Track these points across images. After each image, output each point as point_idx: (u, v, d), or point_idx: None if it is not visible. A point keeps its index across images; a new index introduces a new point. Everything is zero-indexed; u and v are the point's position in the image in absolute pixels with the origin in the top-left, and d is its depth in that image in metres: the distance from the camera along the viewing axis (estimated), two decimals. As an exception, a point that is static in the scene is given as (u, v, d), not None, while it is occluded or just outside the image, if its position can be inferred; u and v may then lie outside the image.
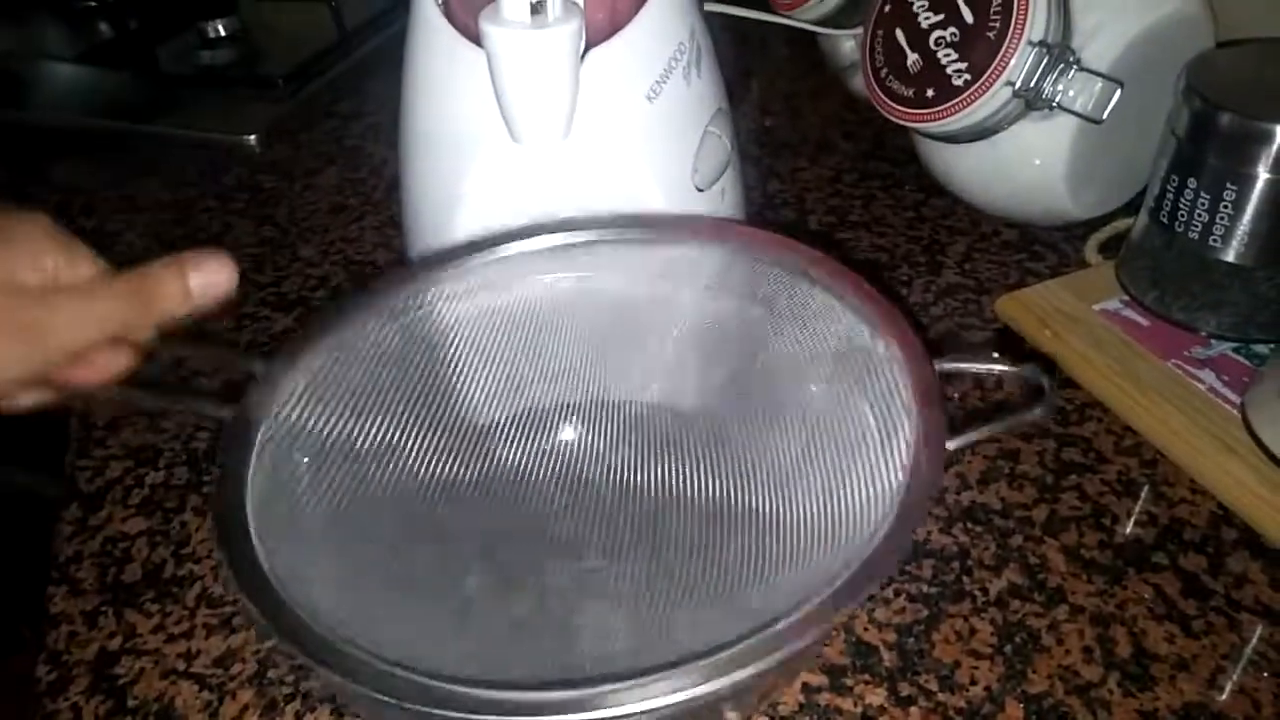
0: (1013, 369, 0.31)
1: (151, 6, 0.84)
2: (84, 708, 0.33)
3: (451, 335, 0.37)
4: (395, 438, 0.34)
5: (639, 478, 0.36)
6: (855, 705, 0.32)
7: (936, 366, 0.29)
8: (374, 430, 0.34)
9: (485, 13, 0.33)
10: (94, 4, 0.84)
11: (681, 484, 0.35)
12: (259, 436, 0.30)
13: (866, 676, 0.32)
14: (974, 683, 0.32)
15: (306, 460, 0.31)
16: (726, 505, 0.34)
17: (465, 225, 0.38)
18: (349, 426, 0.33)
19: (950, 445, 0.27)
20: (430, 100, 0.39)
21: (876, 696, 0.32)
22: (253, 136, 0.66)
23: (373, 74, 0.75)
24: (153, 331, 0.31)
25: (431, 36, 0.37)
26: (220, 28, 0.78)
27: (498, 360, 0.37)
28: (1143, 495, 0.38)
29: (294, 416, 0.32)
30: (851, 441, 0.30)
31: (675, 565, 0.33)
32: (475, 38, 0.34)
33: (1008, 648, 0.33)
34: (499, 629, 0.32)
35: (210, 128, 0.67)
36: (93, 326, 0.29)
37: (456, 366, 0.37)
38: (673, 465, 0.36)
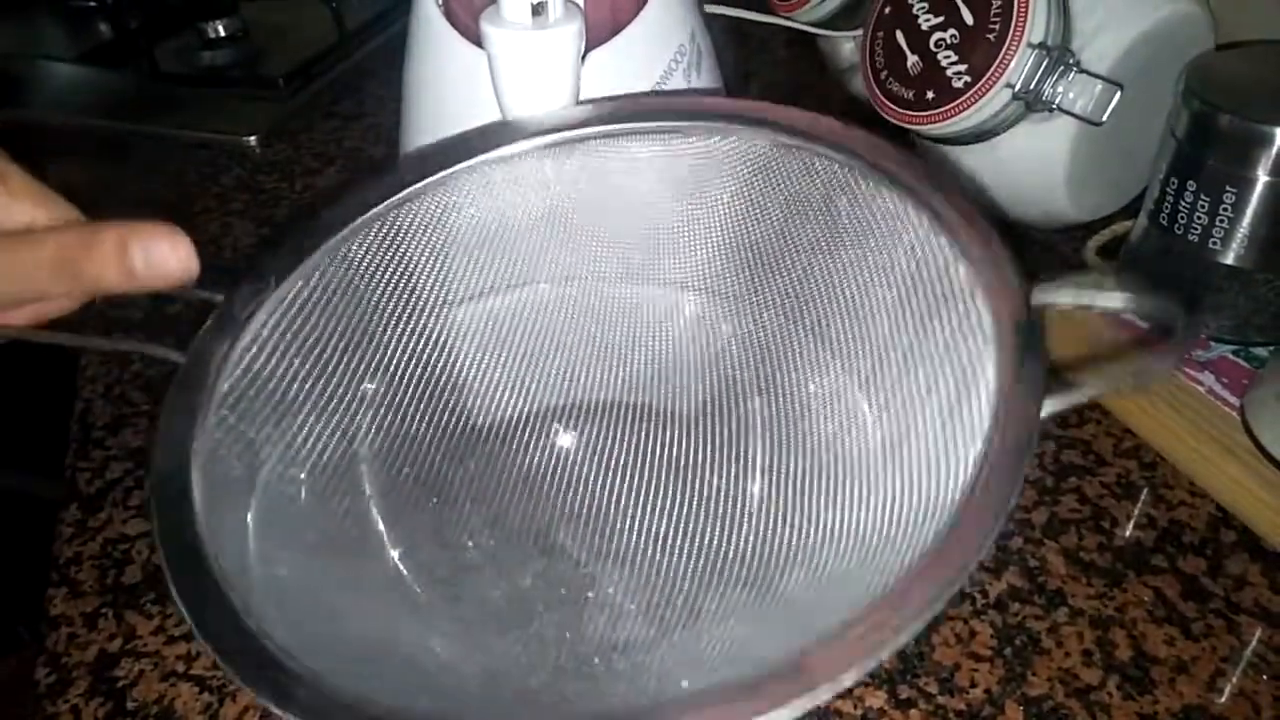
0: (1136, 302, 0.23)
1: (151, 7, 0.84)
2: (83, 710, 0.33)
3: (444, 248, 0.31)
4: (378, 390, 0.29)
5: (658, 433, 0.31)
6: (855, 708, 0.32)
7: (1035, 298, 0.23)
8: (350, 379, 0.29)
9: (486, 14, 0.33)
10: (94, 4, 0.83)
11: (705, 444, 0.31)
12: (211, 387, 0.25)
13: (866, 679, 0.32)
14: (974, 685, 0.32)
15: (268, 415, 0.27)
16: (760, 474, 0.29)
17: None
18: (318, 375, 0.28)
19: (1049, 407, 0.21)
20: (430, 101, 0.38)
21: (876, 699, 0.32)
22: (252, 137, 0.66)
23: (373, 74, 0.75)
24: (83, 300, 0.27)
25: (432, 37, 0.37)
26: (220, 28, 0.78)
27: (504, 260, 0.32)
28: (1142, 498, 0.38)
29: (255, 365, 0.27)
30: (919, 392, 0.24)
31: (698, 534, 0.28)
32: (476, 39, 0.34)
33: (1007, 650, 0.33)
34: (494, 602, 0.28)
35: (210, 128, 0.67)
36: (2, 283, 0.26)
37: (451, 279, 0.31)
38: (700, 420, 0.31)
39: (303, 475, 0.27)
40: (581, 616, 0.29)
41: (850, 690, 0.32)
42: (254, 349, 0.27)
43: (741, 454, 0.30)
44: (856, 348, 0.28)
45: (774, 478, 0.29)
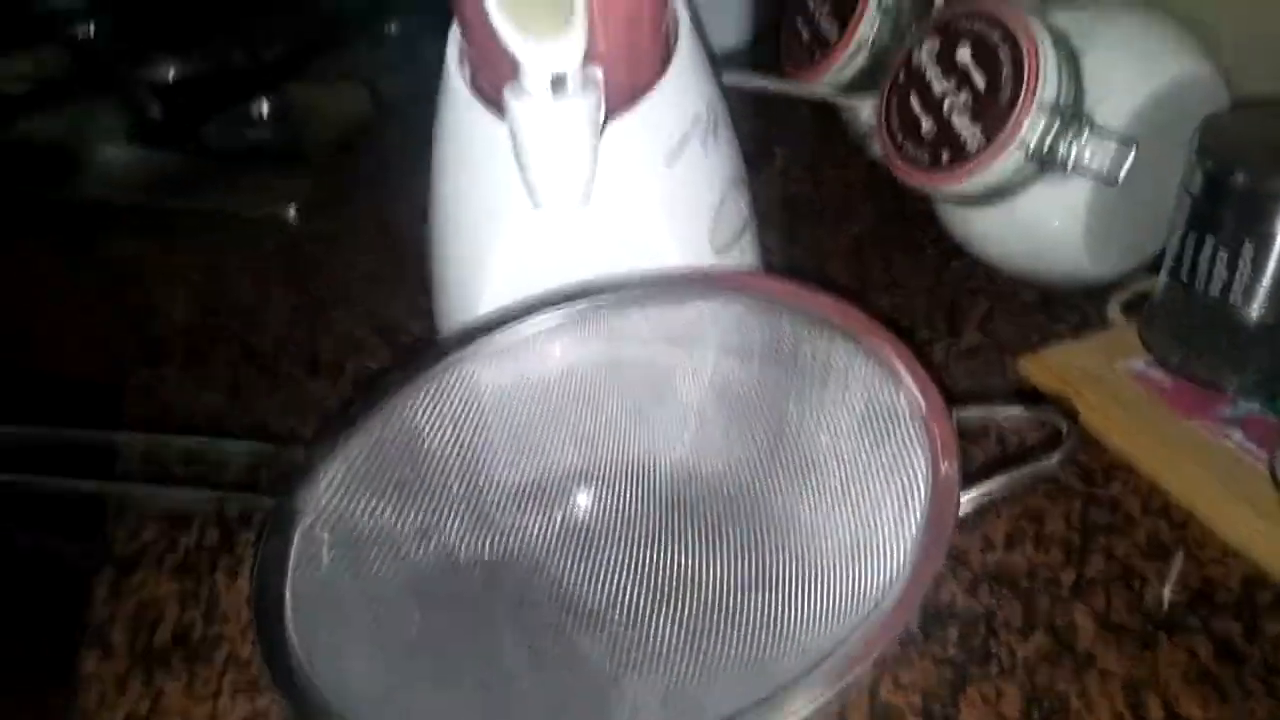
0: (1030, 413, 0.31)
1: (200, 88, 0.88)
2: (110, 768, 0.34)
3: (482, 409, 0.37)
4: (431, 517, 0.35)
5: (667, 542, 0.36)
6: (880, 771, 0.31)
7: (955, 414, 0.29)
8: (409, 512, 0.34)
9: (509, 87, 0.35)
10: (147, 88, 0.88)
11: (707, 549, 0.35)
12: (297, 528, 0.31)
13: (892, 742, 0.32)
14: (1001, 749, 0.31)
15: (343, 547, 0.32)
16: (749, 569, 0.34)
17: (491, 290, 0.39)
18: (384, 510, 0.34)
19: (966, 497, 0.27)
20: (457, 170, 0.40)
21: (901, 762, 0.31)
22: (291, 209, 0.69)
23: (407, 148, 0.77)
24: None
25: (459, 110, 0.39)
26: (264, 107, 0.81)
27: (526, 430, 0.38)
28: (1173, 557, 0.37)
29: (331, 504, 0.33)
30: (873, 498, 0.30)
31: (700, 631, 0.33)
32: (499, 110, 0.36)
33: (1036, 714, 0.32)
34: (535, 706, 0.32)
35: (250, 201, 0.70)
36: None
37: (489, 439, 0.37)
38: (698, 531, 0.36)
39: (370, 595, 0.33)
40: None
41: (874, 753, 0.32)
42: (329, 493, 0.33)
43: (730, 566, 0.35)
44: (824, 468, 0.33)
45: (759, 581, 0.34)
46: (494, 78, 0.36)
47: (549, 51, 0.33)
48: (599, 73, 0.35)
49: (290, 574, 0.29)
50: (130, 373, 0.55)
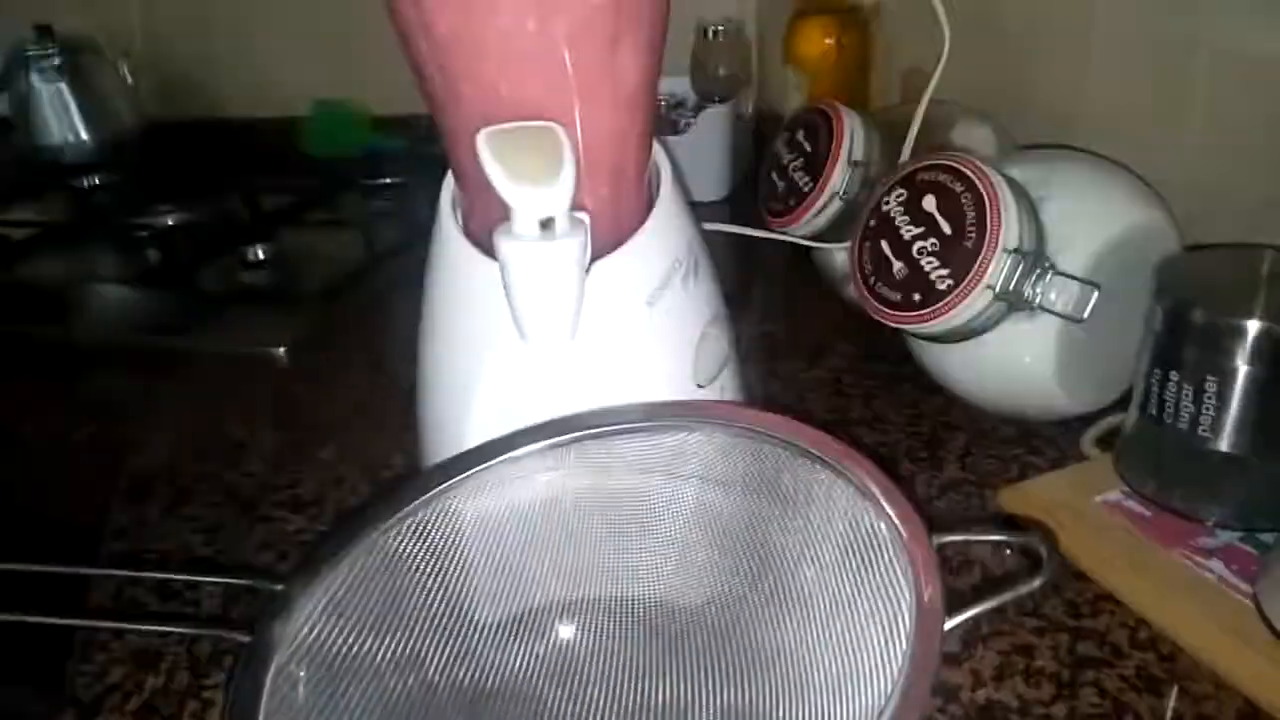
0: (1010, 537, 0.31)
1: (197, 234, 0.91)
2: None
3: (464, 541, 0.37)
4: (413, 649, 0.34)
5: (651, 675, 0.35)
6: None
7: (935, 541, 0.30)
8: (391, 644, 0.34)
9: (499, 229, 0.36)
10: (145, 234, 0.91)
11: (692, 680, 0.35)
12: (273, 662, 0.31)
13: None
14: None
15: (320, 679, 0.32)
16: (734, 700, 0.33)
17: (478, 424, 0.40)
18: (363, 641, 0.33)
19: (951, 624, 0.27)
20: (448, 307, 0.41)
21: None
22: (281, 349, 0.70)
23: (398, 291, 0.79)
24: None
25: (451, 251, 0.41)
26: (260, 252, 0.84)
27: (509, 561, 0.38)
28: (1165, 691, 0.37)
29: (309, 636, 0.33)
30: (859, 626, 0.30)
31: None
32: (490, 252, 0.37)
33: None
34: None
35: (242, 341, 0.71)
36: None
37: (471, 571, 0.37)
38: (683, 661, 0.35)
39: None
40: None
41: None
42: (306, 627, 0.33)
43: (715, 697, 0.34)
44: (808, 596, 0.33)
45: (745, 712, 0.33)
46: (485, 221, 0.38)
47: (539, 196, 0.34)
48: (585, 217, 0.37)
49: (264, 706, 0.29)
50: (111, 511, 0.54)
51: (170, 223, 0.98)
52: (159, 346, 0.73)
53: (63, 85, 1.14)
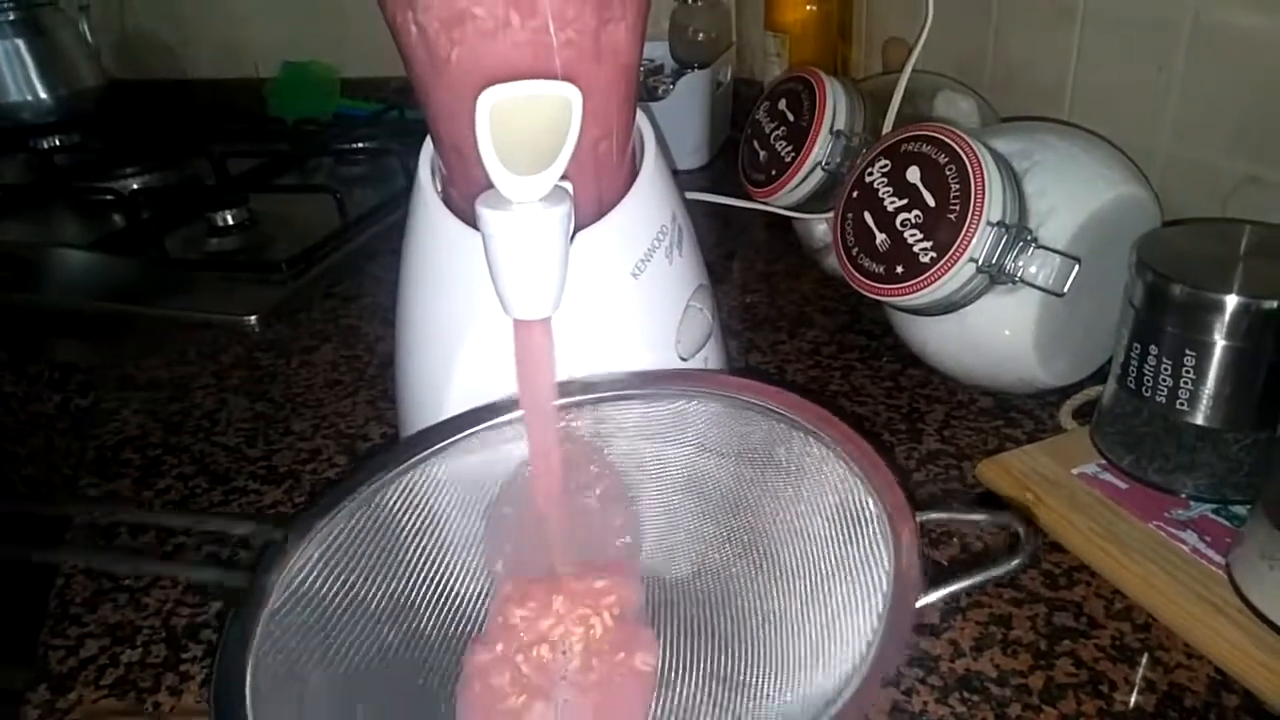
0: (990, 517, 0.32)
1: (163, 198, 0.89)
2: None
3: (452, 505, 0.37)
4: (405, 598, 0.35)
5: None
6: None
7: (918, 518, 0.30)
8: (381, 593, 0.34)
9: (482, 197, 0.35)
10: (110, 198, 0.88)
11: (677, 646, 0.35)
12: (266, 606, 0.31)
13: None
14: None
15: (312, 627, 0.32)
16: (718, 666, 0.33)
17: (458, 398, 0.39)
18: (356, 590, 0.34)
19: (923, 600, 0.27)
20: (428, 277, 0.41)
21: None
22: (253, 317, 0.69)
23: (372, 258, 0.78)
24: None
25: (431, 220, 0.40)
26: (229, 217, 0.82)
27: (498, 526, 0.37)
28: (1138, 660, 0.38)
29: (304, 583, 0.33)
30: (840, 596, 0.31)
31: None
32: (471, 222, 0.36)
33: (1014, 826, 0.32)
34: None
35: (212, 308, 0.70)
36: None
37: (459, 534, 0.37)
38: (670, 629, 0.35)
39: (339, 674, 0.32)
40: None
41: None
42: (301, 574, 0.33)
43: (708, 660, 0.35)
44: (795, 566, 0.34)
45: (728, 678, 0.34)
46: (467, 190, 0.37)
47: (530, 184, 0.34)
48: (569, 185, 0.36)
49: (253, 655, 0.29)
50: (80, 484, 0.53)
51: (135, 186, 0.96)
52: (125, 313, 0.71)
53: (20, 42, 1.11)
